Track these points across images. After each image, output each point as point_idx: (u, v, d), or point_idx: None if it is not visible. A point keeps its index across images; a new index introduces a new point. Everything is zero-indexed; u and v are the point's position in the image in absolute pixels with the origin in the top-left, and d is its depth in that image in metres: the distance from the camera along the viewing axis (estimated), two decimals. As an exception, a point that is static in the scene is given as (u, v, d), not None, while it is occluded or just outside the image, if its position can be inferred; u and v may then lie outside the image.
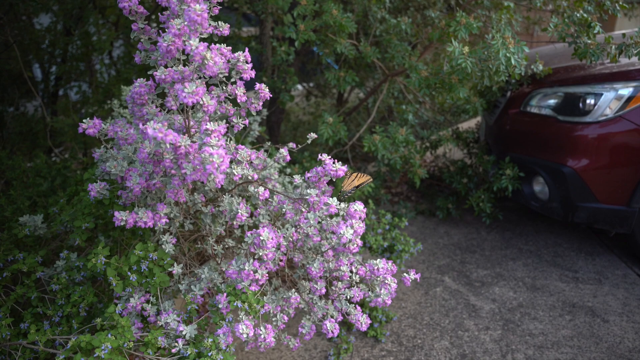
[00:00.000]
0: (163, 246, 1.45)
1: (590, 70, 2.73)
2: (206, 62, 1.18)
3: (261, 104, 1.42)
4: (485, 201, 3.11)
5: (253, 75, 1.32)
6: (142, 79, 1.33)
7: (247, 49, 1.32)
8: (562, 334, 2.25)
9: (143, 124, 1.13)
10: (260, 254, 1.23)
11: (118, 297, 1.54)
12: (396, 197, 4.04)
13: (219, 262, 1.64)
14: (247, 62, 1.30)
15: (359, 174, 1.58)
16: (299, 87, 5.71)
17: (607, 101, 2.51)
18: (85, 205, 1.72)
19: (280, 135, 4.85)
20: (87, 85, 4.32)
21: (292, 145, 1.99)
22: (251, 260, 1.28)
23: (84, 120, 1.42)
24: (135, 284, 1.45)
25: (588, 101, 2.56)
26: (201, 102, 1.20)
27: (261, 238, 1.17)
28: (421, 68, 2.75)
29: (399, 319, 2.44)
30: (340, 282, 1.55)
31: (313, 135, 1.89)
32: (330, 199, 1.23)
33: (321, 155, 1.36)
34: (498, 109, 3.26)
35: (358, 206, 1.24)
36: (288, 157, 1.64)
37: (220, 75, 1.28)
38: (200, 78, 1.30)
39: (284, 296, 1.59)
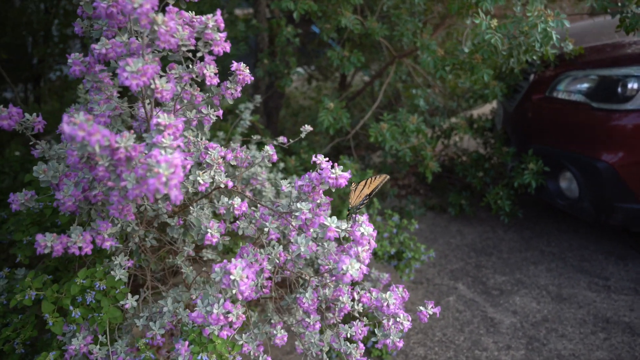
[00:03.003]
0: (113, 272, 1.11)
1: (631, 49, 2.34)
2: (157, 29, 0.82)
3: (239, 89, 1.07)
4: (504, 198, 2.76)
5: (227, 49, 0.97)
6: (76, 54, 0.97)
7: (218, 11, 0.96)
8: (597, 356, 1.92)
9: (69, 117, 0.78)
10: (234, 292, 0.89)
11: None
12: (403, 191, 3.69)
13: (189, 287, 1.31)
14: (218, 30, 0.93)
15: (370, 178, 1.23)
16: (300, 70, 5.33)
17: (653, 86, 2.14)
18: (28, 214, 1.39)
19: (279, 122, 4.48)
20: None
21: (282, 139, 1.64)
22: (222, 301, 0.94)
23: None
24: (80, 321, 1.12)
25: (629, 85, 2.18)
26: (152, 86, 0.84)
27: (232, 278, 0.83)
28: (435, 47, 2.37)
29: (407, 334, 2.12)
30: (337, 314, 1.21)
31: (308, 127, 1.54)
32: (329, 218, 0.89)
33: (316, 156, 1.01)
34: (519, 94, 2.88)
35: (366, 229, 0.89)
36: (275, 157, 1.28)
37: (184, 49, 0.93)
38: (155, 53, 0.95)
39: (268, 330, 1.26)
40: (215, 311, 0.94)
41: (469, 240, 2.91)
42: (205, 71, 0.97)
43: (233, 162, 1.21)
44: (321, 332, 1.33)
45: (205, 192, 1.27)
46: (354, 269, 0.82)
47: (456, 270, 2.60)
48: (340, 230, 0.89)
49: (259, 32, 3.32)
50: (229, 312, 0.97)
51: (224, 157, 1.18)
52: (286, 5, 2.33)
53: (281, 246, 1.15)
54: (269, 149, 1.26)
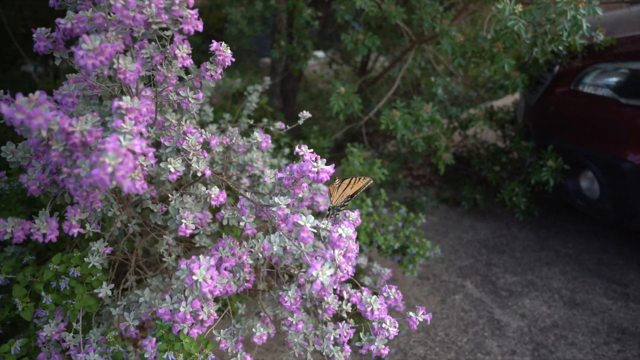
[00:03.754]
0: (87, 259, 1.06)
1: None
2: (112, 3, 0.74)
3: (219, 70, 0.98)
4: (520, 195, 2.62)
5: (200, 27, 0.88)
6: (42, 28, 0.90)
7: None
8: (608, 368, 1.81)
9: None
10: (204, 290, 0.82)
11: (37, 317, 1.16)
12: (417, 181, 3.57)
13: (172, 277, 1.25)
14: (187, 6, 0.85)
15: (354, 178, 1.14)
16: (320, 53, 5.20)
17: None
18: (13, 193, 1.34)
19: (297, 106, 4.38)
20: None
21: (279, 124, 1.56)
22: (190, 299, 0.88)
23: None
24: (52, 307, 1.07)
25: (663, 81, 2.02)
26: (115, 66, 0.77)
27: (194, 278, 0.76)
28: (455, 33, 2.23)
29: (407, 332, 2.04)
30: (325, 315, 1.14)
31: (306, 113, 1.45)
32: (303, 217, 0.81)
33: (299, 147, 0.92)
34: (542, 86, 2.72)
35: (345, 230, 0.81)
36: (264, 144, 1.20)
37: (155, 27, 0.84)
38: (120, 30, 0.86)
39: (251, 325, 1.19)
40: (182, 309, 0.88)
41: (481, 236, 2.79)
42: (177, 51, 0.89)
43: (219, 148, 1.14)
44: (316, 327, 1.26)
45: (192, 179, 1.21)
46: (325, 275, 0.74)
47: (465, 268, 2.49)
48: (314, 231, 0.80)
49: (277, 13, 3.22)
50: (197, 311, 0.90)
51: (207, 143, 1.10)
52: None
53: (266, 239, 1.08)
54: (258, 136, 1.18)
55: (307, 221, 0.80)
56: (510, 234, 2.80)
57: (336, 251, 0.78)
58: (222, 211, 1.20)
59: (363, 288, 1.17)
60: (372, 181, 1.14)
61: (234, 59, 0.98)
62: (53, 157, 0.72)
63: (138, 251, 1.37)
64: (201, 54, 3.37)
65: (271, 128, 1.53)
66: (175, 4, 0.82)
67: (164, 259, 1.21)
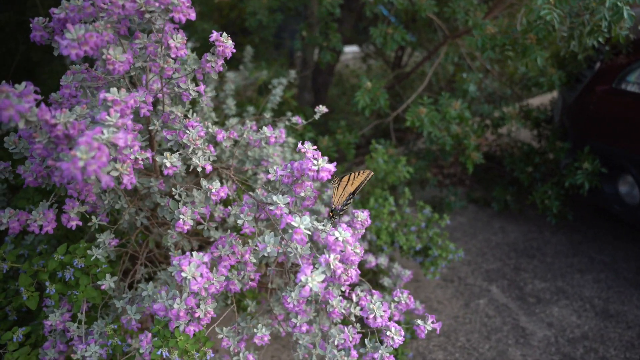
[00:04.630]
0: (91, 251, 1.05)
1: None
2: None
3: (220, 62, 0.94)
4: (553, 198, 2.48)
5: (192, 16, 0.84)
6: (40, 18, 0.88)
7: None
8: (641, 386, 1.68)
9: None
10: (193, 288, 0.79)
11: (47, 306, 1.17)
12: (447, 180, 3.46)
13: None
14: (179, -6, 0.80)
15: (353, 174, 1.08)
16: (354, 48, 5.10)
17: None
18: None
19: (329, 100, 4.31)
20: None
21: (295, 119, 1.51)
22: (184, 295, 0.85)
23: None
24: (55, 297, 1.07)
25: None
26: (104, 57, 0.74)
27: (183, 275, 0.73)
28: (488, 25, 2.11)
29: (428, 334, 1.96)
30: (328, 321, 1.09)
31: (323, 108, 1.40)
32: (297, 218, 0.75)
33: (302, 144, 0.87)
34: (581, 84, 2.55)
35: (342, 233, 0.75)
36: (273, 139, 1.16)
37: (148, 16, 0.81)
38: (122, 20, 0.83)
39: (262, 323, 1.16)
40: (176, 306, 0.85)
41: (511, 239, 2.67)
42: (170, 41, 0.85)
43: (226, 143, 1.10)
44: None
45: (201, 173, 1.18)
46: (315, 281, 0.69)
47: (492, 271, 2.38)
48: (309, 233, 0.75)
49: (305, 1, 3.15)
50: (193, 308, 0.87)
51: (214, 137, 1.07)
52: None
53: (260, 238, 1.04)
54: (266, 130, 1.14)
55: (301, 222, 0.75)
56: (541, 237, 2.66)
57: (332, 255, 0.73)
58: (229, 207, 1.17)
59: (374, 291, 1.11)
60: (372, 174, 1.09)
61: (232, 51, 0.94)
62: (37, 150, 0.70)
63: (150, 244, 1.36)
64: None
65: (286, 122, 1.49)
66: (165, -10, 0.78)
67: (170, 253, 1.19)
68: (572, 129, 2.59)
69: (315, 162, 0.81)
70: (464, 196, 3.12)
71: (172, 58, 0.88)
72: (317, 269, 0.71)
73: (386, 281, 1.88)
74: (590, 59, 2.53)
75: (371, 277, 2.04)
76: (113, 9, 0.70)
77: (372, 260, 1.88)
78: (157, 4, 0.77)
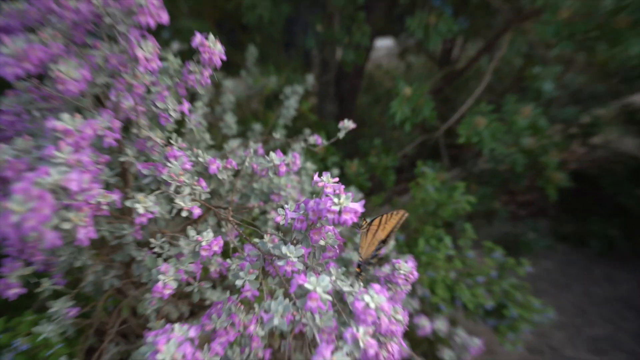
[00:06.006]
0: (35, 329, 1.04)
1: None
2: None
3: (207, 73, 0.94)
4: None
5: (163, 19, 0.84)
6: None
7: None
8: None
9: None
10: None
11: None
12: (522, 211, 3.38)
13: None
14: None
15: (385, 215, 1.05)
16: (387, 42, 5.14)
17: None
18: None
19: (358, 110, 4.31)
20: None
21: (315, 139, 1.51)
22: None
23: None
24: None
25: None
26: (53, 75, 0.74)
27: (159, 358, 0.71)
28: (564, 4, 2.09)
29: None
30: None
31: (349, 123, 1.39)
32: (313, 277, 0.72)
33: (318, 175, 0.86)
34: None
35: (376, 298, 0.72)
36: (284, 168, 1.15)
37: (108, 21, 0.81)
38: (81, 27, 0.84)
39: None
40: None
41: (623, 292, 2.56)
42: (137, 51, 0.85)
43: (222, 175, 1.10)
44: None
45: (189, 217, 1.17)
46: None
47: (600, 339, 2.28)
48: (329, 298, 0.72)
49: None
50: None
51: (205, 168, 1.07)
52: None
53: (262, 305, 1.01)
54: (274, 157, 1.13)
55: (319, 284, 0.72)
56: (663, 286, 2.56)
57: (361, 329, 0.70)
58: (228, 260, 1.16)
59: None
60: (407, 214, 1.06)
61: (223, 58, 0.94)
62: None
63: (123, 312, 1.35)
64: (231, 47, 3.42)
65: (302, 144, 1.48)
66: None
67: (148, 325, 1.18)
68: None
69: (336, 200, 0.79)
70: (548, 232, 3.04)
71: (143, 72, 0.88)
72: (342, 347, 0.68)
73: (447, 354, 1.83)
74: None
75: (426, 348, 1.98)
76: (64, 13, 0.71)
77: (426, 324, 1.83)
78: (119, 6, 0.77)
